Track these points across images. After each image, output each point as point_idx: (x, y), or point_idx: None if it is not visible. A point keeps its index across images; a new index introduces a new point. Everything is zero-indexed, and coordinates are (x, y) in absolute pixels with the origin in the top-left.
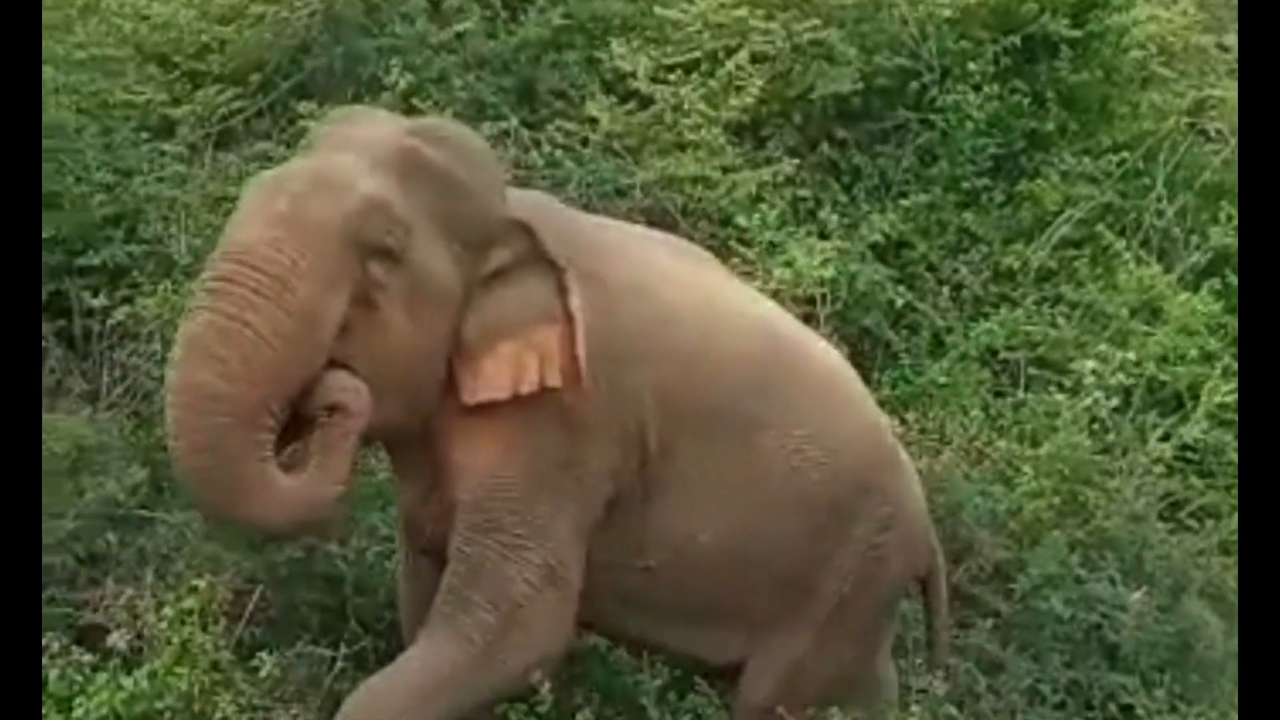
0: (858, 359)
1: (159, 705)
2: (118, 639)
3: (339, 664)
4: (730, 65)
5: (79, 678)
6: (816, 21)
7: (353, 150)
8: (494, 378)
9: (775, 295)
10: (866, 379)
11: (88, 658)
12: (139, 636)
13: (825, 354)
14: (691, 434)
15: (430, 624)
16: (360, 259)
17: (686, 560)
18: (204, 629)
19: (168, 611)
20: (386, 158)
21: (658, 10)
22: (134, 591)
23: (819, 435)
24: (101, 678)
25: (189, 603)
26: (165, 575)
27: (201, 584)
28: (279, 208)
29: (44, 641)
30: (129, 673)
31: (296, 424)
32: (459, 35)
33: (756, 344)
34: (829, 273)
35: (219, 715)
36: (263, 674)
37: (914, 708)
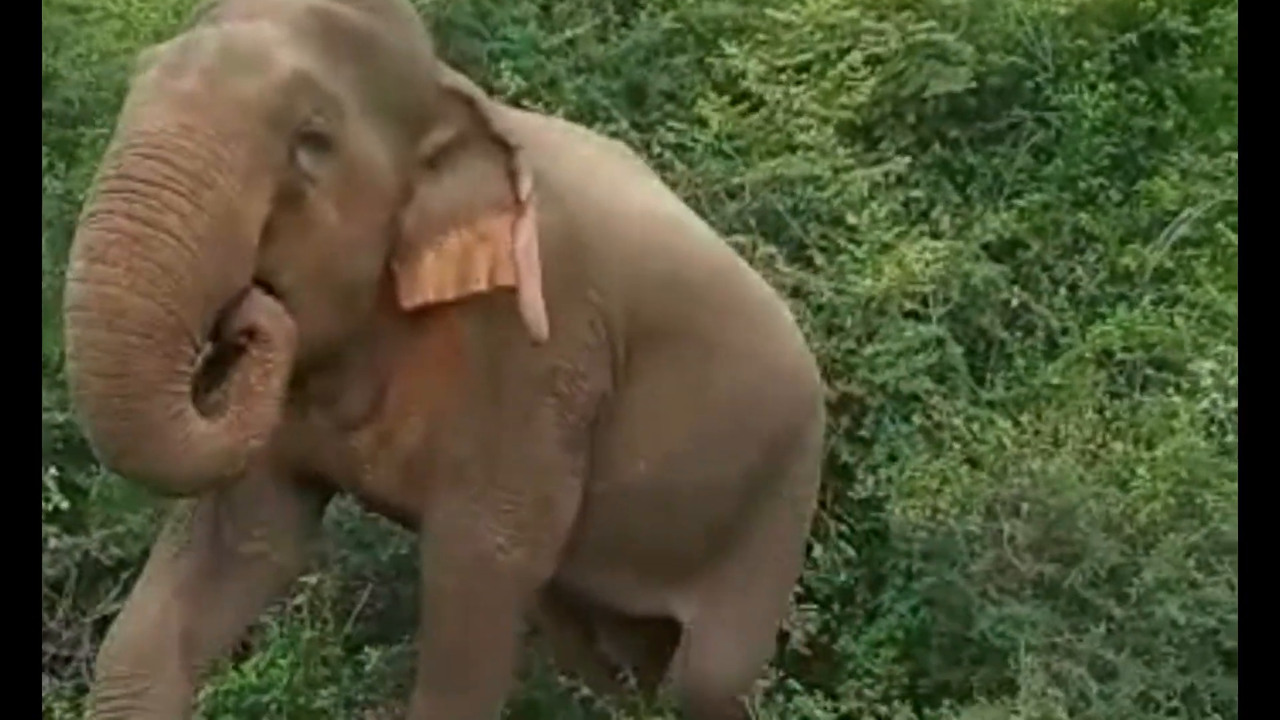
0: (971, 359)
1: (264, 699)
2: None
3: None
4: (842, 66)
5: None
6: (932, 23)
7: (264, 16)
8: (437, 275)
9: (886, 294)
10: (980, 380)
11: None
12: (249, 631)
13: (759, 279)
14: (653, 353)
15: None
16: (287, 147)
17: (622, 491)
18: (311, 625)
19: (276, 607)
20: (304, 24)
21: (769, 13)
22: None
23: (765, 367)
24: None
25: (298, 599)
26: None
27: (310, 580)
28: (188, 87)
29: None
30: (237, 666)
31: (216, 362)
32: (570, 40)
33: (716, 263)
34: (941, 271)
35: (317, 706)
36: (367, 668)
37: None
